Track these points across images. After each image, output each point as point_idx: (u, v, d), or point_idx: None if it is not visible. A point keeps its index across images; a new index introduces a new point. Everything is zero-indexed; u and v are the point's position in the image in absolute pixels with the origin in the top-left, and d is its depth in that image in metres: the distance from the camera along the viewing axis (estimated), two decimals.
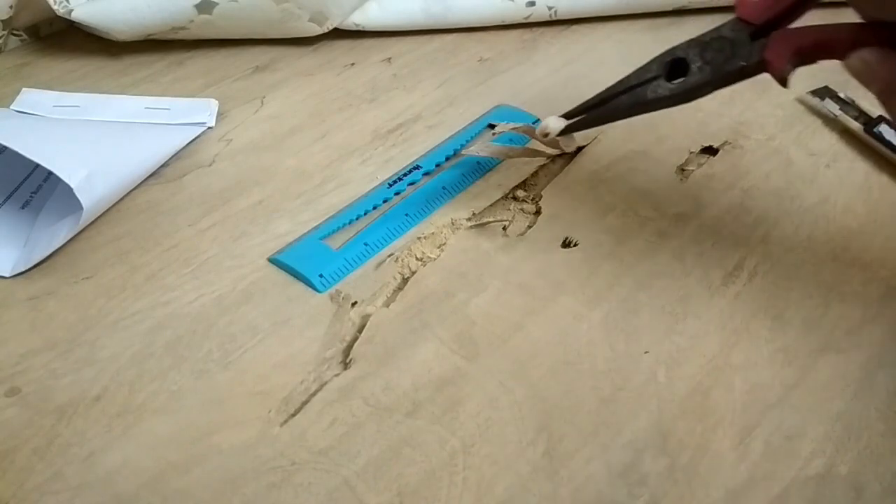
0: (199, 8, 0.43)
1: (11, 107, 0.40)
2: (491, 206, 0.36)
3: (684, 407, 0.28)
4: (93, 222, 0.34)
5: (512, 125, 0.39)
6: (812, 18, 0.28)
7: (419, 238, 0.34)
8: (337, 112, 0.42)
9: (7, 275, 0.32)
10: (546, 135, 0.33)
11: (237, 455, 0.26)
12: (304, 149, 0.39)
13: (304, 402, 0.28)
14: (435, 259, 0.33)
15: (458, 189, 0.37)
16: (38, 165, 0.32)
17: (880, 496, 0.26)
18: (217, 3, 0.43)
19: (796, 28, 0.28)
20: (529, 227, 0.35)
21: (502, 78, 0.45)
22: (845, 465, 0.26)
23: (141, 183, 0.36)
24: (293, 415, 0.27)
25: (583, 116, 0.32)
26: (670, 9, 0.50)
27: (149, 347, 0.29)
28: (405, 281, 0.32)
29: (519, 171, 0.38)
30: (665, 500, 0.25)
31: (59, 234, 0.33)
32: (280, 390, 0.28)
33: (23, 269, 0.32)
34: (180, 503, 0.25)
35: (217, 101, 0.42)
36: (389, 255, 0.33)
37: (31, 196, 0.35)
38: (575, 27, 0.49)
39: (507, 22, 0.49)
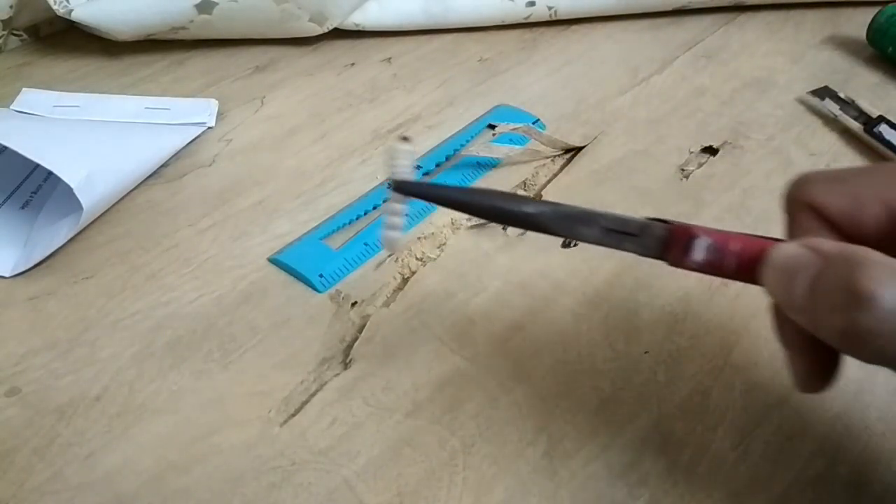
0: (199, 8, 0.43)
1: (11, 107, 0.40)
2: None
3: (684, 407, 0.28)
4: (93, 222, 0.34)
5: (512, 125, 0.39)
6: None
7: (419, 238, 0.34)
8: (337, 112, 0.42)
9: (7, 275, 0.32)
10: (399, 186, 0.23)
11: (237, 455, 0.26)
12: (304, 149, 0.39)
13: (304, 402, 0.28)
14: (435, 259, 0.33)
15: None
16: (38, 165, 0.32)
17: (880, 496, 0.26)
18: (217, 3, 0.43)
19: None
20: None
21: (502, 78, 0.45)
22: (845, 465, 0.26)
23: (141, 183, 0.36)
24: (293, 415, 0.27)
25: (438, 187, 0.23)
26: (670, 9, 0.50)
27: (149, 347, 0.29)
28: (405, 281, 0.32)
29: (519, 171, 0.38)
30: (665, 501, 0.25)
31: (59, 234, 0.33)
32: (280, 390, 0.28)
33: (23, 269, 0.32)
34: (180, 503, 0.25)
35: (217, 101, 0.42)
36: (389, 255, 0.33)
37: (31, 196, 0.35)
38: (575, 27, 0.49)
39: (507, 22, 0.49)
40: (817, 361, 0.21)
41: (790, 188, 0.22)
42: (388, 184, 0.23)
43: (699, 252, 0.21)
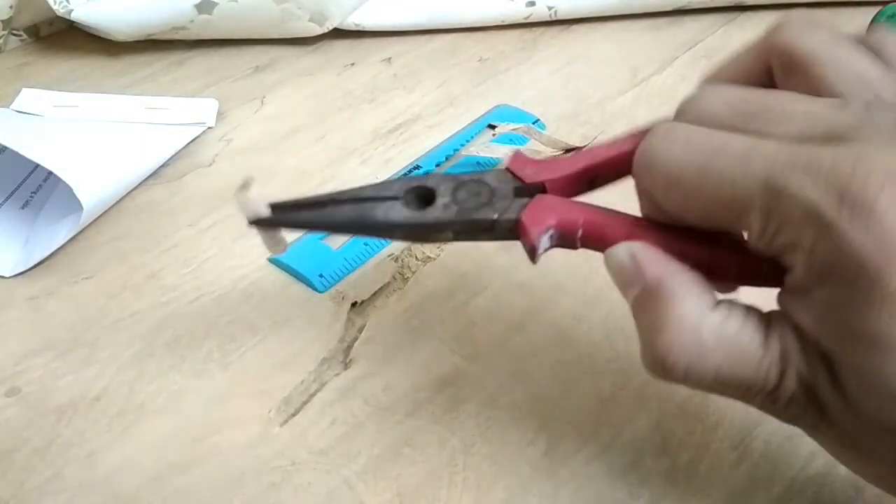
0: (199, 8, 0.43)
1: (11, 107, 0.40)
2: None
3: (684, 407, 0.28)
4: (93, 222, 0.34)
5: (512, 125, 0.39)
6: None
7: None
8: (337, 112, 0.42)
9: (7, 275, 0.32)
10: (255, 222, 0.25)
11: (237, 455, 0.26)
12: (304, 149, 0.39)
13: (304, 402, 0.28)
14: (435, 259, 0.33)
15: None
16: (38, 165, 0.32)
17: (880, 496, 0.25)
18: (217, 3, 0.43)
19: (570, 200, 0.23)
20: None
21: (502, 78, 0.45)
22: None
23: (141, 183, 0.36)
24: (293, 415, 0.27)
25: (294, 214, 0.25)
26: (670, 9, 0.50)
27: (149, 347, 0.29)
28: (405, 281, 0.32)
29: None
30: (665, 501, 0.25)
31: (59, 234, 0.33)
32: (280, 390, 0.28)
33: (23, 269, 0.32)
34: (180, 503, 0.25)
35: (217, 101, 0.42)
36: (389, 255, 0.33)
37: (31, 196, 0.35)
38: (575, 27, 0.49)
39: (507, 22, 0.49)
40: None
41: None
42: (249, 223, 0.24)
43: (545, 243, 0.23)
